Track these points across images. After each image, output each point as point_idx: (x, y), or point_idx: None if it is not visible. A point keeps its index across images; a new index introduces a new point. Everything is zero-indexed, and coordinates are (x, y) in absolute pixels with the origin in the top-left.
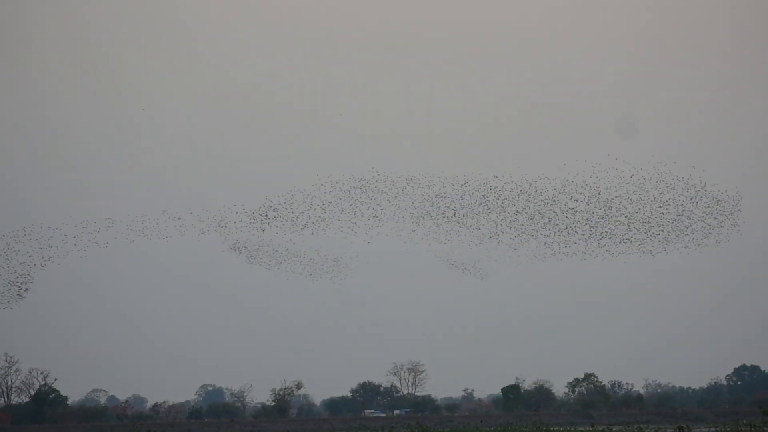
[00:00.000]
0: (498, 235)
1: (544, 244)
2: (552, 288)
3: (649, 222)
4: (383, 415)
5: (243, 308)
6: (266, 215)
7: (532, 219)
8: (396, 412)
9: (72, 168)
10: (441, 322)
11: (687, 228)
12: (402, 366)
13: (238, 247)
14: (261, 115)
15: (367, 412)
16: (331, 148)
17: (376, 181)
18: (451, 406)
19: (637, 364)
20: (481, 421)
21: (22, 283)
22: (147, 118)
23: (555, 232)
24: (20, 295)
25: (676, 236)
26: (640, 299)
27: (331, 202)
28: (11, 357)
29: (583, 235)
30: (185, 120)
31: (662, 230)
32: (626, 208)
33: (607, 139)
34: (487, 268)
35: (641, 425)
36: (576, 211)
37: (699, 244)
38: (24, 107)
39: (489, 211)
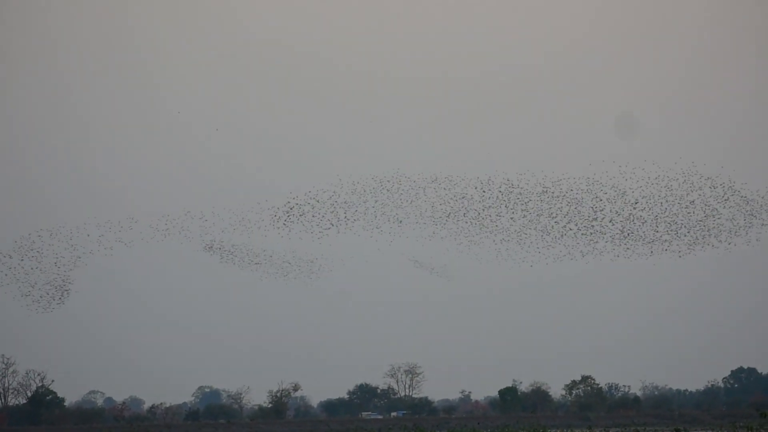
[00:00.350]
0: (496, 236)
1: (544, 246)
2: (549, 290)
3: (645, 223)
4: (380, 417)
5: (240, 310)
6: (290, 213)
7: (538, 221)
8: (393, 414)
9: (94, 167)
10: (438, 323)
11: (711, 229)
12: (399, 368)
13: (217, 249)
14: (283, 114)
15: (364, 414)
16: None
17: (398, 181)
18: (448, 408)
19: (634, 366)
20: (478, 423)
21: (63, 287)
22: (166, 118)
23: (554, 234)
24: (62, 300)
25: (672, 237)
26: (637, 301)
27: (346, 202)
28: (8, 358)
29: (579, 237)
30: (207, 120)
31: (658, 231)
32: (624, 210)
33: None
34: (486, 270)
35: (638, 427)
36: (568, 214)
37: (728, 244)
38: (39, 106)
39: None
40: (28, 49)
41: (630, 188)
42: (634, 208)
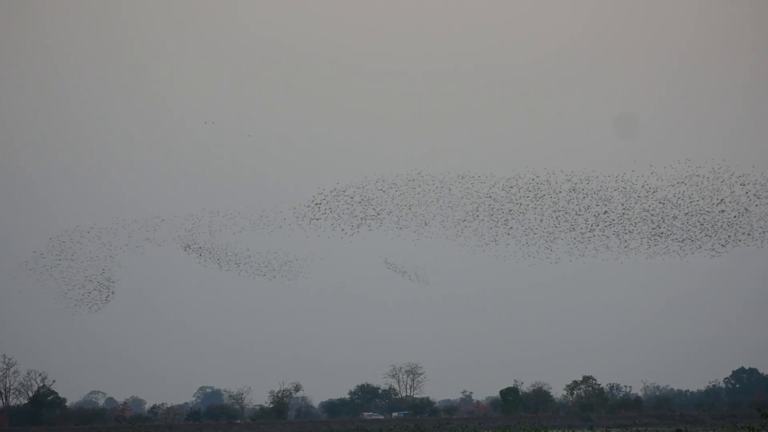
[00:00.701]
0: (496, 237)
1: (547, 248)
2: (551, 290)
3: (640, 222)
4: (381, 417)
5: (242, 310)
6: (319, 208)
7: (541, 219)
8: (394, 414)
9: (97, 169)
10: (439, 324)
11: (742, 227)
12: (400, 368)
13: (196, 249)
14: (307, 112)
15: (365, 414)
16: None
17: (421, 180)
18: (450, 408)
19: (635, 367)
20: (480, 424)
21: (108, 287)
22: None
23: (558, 232)
24: (107, 299)
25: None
26: (638, 302)
27: (361, 200)
28: (9, 358)
29: (579, 236)
30: (232, 120)
31: (689, 230)
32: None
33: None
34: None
35: (639, 428)
36: (565, 212)
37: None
38: (55, 108)
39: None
40: (52, 53)
41: (660, 186)
42: (663, 206)
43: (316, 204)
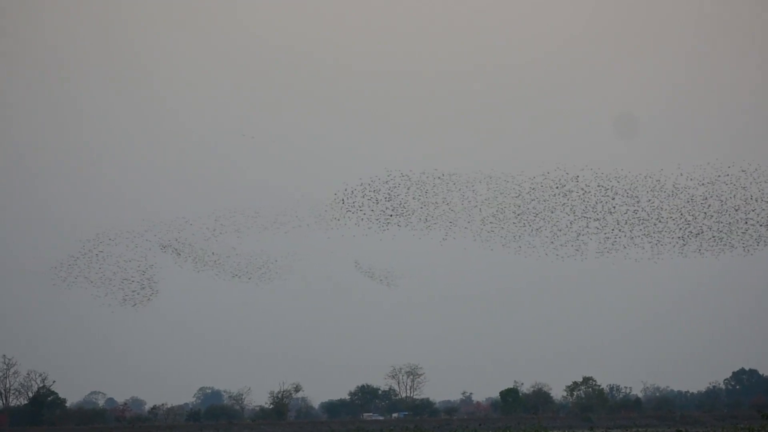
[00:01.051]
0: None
1: (550, 245)
2: (550, 291)
3: (710, 217)
4: (381, 418)
5: (242, 311)
6: (347, 204)
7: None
8: (394, 415)
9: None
10: (439, 324)
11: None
12: (400, 369)
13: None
14: (328, 109)
15: (365, 415)
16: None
17: (418, 180)
18: (450, 409)
19: (635, 368)
20: (480, 425)
21: (151, 287)
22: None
23: (566, 235)
24: (149, 298)
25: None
26: (638, 303)
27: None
28: (10, 359)
29: (581, 238)
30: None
31: (721, 230)
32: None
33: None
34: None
35: (639, 429)
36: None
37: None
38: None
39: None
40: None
41: (685, 186)
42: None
43: (341, 200)
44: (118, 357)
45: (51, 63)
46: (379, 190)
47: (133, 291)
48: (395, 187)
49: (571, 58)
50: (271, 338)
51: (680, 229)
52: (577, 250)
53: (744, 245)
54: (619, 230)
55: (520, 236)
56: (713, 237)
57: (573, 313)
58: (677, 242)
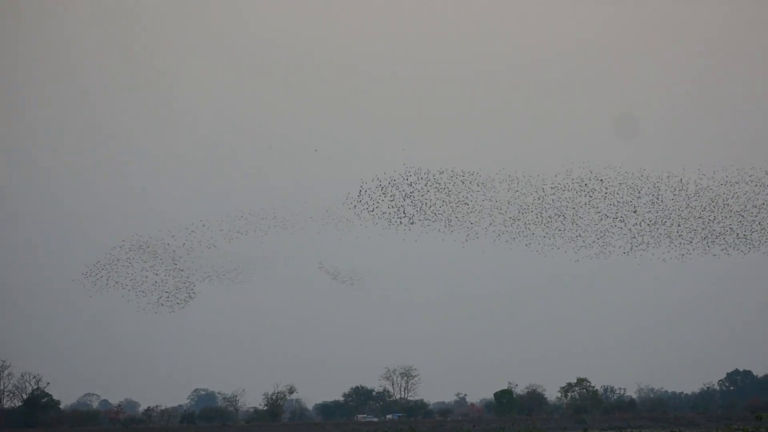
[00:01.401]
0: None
1: (543, 246)
2: (546, 292)
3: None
4: (375, 419)
5: (236, 311)
6: (361, 201)
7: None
8: (388, 416)
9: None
10: (434, 325)
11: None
12: (395, 370)
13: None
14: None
15: (359, 416)
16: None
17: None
18: (444, 410)
19: (629, 369)
20: (474, 426)
21: (188, 288)
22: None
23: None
24: (186, 300)
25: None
26: (632, 304)
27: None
28: (3, 361)
29: (572, 238)
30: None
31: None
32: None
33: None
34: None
35: (634, 430)
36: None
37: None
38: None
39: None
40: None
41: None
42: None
43: (359, 197)
44: (112, 358)
45: (68, 70)
46: (379, 196)
47: (168, 293)
48: (386, 192)
49: (585, 58)
50: (266, 339)
51: (672, 230)
52: (569, 252)
53: (734, 247)
54: (614, 233)
55: (514, 238)
56: (706, 237)
57: (568, 315)
58: (670, 244)
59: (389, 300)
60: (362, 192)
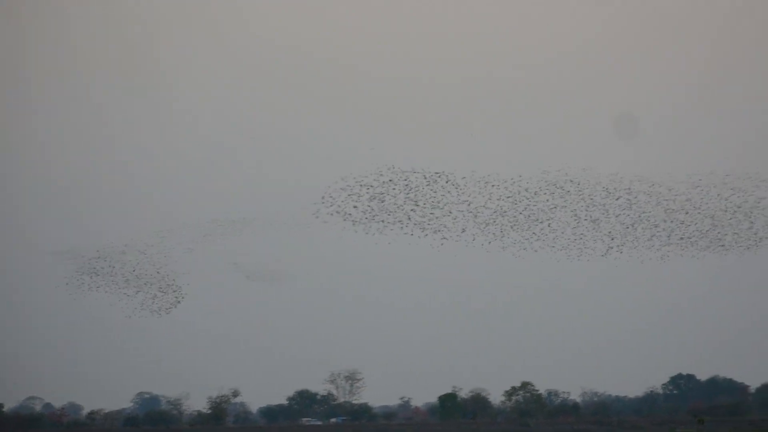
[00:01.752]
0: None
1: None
2: (489, 296)
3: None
4: (320, 423)
5: (179, 314)
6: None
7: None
8: (333, 420)
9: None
10: (379, 330)
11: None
12: (339, 374)
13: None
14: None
15: (304, 419)
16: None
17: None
18: (388, 414)
19: (573, 373)
20: (418, 430)
21: (175, 289)
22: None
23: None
24: (174, 304)
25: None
26: (576, 307)
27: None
28: None
29: (521, 239)
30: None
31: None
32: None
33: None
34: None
35: None
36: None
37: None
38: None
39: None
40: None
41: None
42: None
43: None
44: (55, 362)
45: (72, 70)
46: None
47: (155, 296)
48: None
49: (585, 58)
50: (209, 343)
51: (613, 231)
52: (507, 255)
53: (681, 250)
54: (556, 235)
55: (471, 241)
56: (650, 239)
57: (512, 319)
58: (606, 246)
59: (335, 303)
60: (326, 197)
